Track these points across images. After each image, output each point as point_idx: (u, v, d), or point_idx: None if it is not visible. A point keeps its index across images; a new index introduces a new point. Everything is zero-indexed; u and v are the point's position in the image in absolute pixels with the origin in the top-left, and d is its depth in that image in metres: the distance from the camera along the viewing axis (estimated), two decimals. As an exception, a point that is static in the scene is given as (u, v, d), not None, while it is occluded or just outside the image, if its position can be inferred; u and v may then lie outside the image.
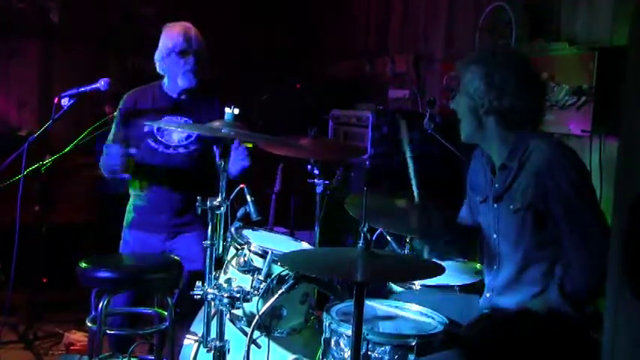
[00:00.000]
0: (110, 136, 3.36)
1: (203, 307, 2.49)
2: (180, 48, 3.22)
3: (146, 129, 3.25)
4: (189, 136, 3.30)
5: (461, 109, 2.32)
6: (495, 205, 2.31)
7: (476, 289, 2.72)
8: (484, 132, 2.29)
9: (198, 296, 2.39)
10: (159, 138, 3.28)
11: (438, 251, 2.59)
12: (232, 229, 2.62)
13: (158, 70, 3.32)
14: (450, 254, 2.84)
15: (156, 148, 3.28)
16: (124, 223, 3.40)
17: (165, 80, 3.35)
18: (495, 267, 2.36)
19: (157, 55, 3.30)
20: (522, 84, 2.21)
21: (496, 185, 2.31)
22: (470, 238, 2.59)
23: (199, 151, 3.30)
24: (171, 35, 3.26)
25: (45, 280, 4.66)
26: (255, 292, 2.41)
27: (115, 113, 3.38)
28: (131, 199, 3.40)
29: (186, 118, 3.29)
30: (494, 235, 2.35)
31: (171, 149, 3.29)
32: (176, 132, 3.30)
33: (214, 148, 3.24)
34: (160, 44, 3.29)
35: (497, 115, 2.24)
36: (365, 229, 1.98)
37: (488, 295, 2.40)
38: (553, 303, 2.15)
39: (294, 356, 2.56)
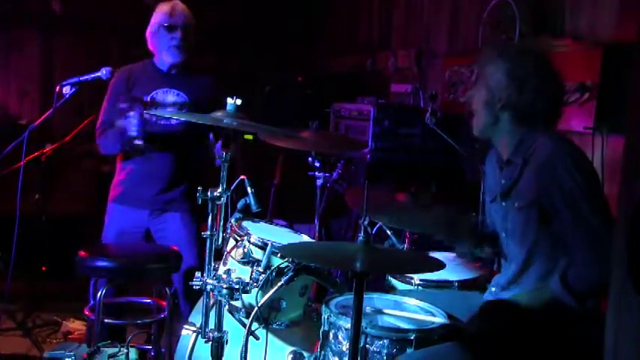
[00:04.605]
0: (104, 113, 3.35)
1: (202, 298, 2.49)
2: (167, 22, 3.28)
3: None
4: (181, 107, 3.32)
5: (476, 103, 2.31)
6: (504, 204, 2.31)
7: (475, 285, 2.71)
8: (497, 127, 2.28)
9: (197, 286, 2.39)
10: (152, 109, 3.29)
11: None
12: (232, 220, 2.61)
13: (149, 47, 3.37)
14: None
15: (149, 118, 3.28)
16: (110, 197, 3.42)
17: (155, 57, 3.38)
18: (506, 265, 2.37)
19: (148, 32, 3.35)
20: (543, 82, 2.21)
21: (502, 181, 2.30)
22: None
23: (191, 122, 3.32)
24: (160, 11, 3.33)
25: (44, 269, 4.67)
26: (255, 283, 2.41)
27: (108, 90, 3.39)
28: (119, 172, 3.41)
29: (178, 91, 3.33)
30: (503, 234, 2.35)
31: (164, 120, 3.31)
32: (169, 102, 3.32)
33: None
34: (151, 21, 3.35)
35: (512, 111, 2.23)
36: (365, 223, 1.97)
37: (493, 289, 2.40)
38: (553, 292, 2.13)
39: (292, 348, 2.56)
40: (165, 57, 3.32)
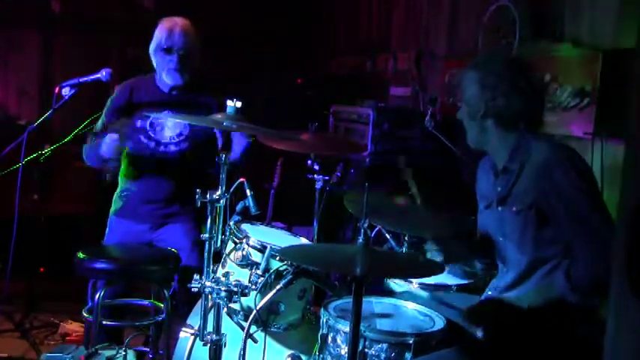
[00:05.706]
0: (99, 125, 3.32)
1: (200, 300, 2.48)
2: (165, 45, 3.21)
3: (139, 124, 3.24)
4: (180, 134, 3.28)
5: (464, 118, 2.36)
6: (500, 209, 2.32)
7: (472, 290, 2.71)
8: (486, 136, 2.32)
9: (196, 289, 2.39)
10: (151, 134, 3.27)
11: (452, 259, 2.60)
12: (231, 223, 2.61)
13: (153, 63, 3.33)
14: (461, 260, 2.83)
15: (147, 144, 3.26)
16: (111, 211, 3.40)
17: (157, 74, 3.33)
18: (504, 269, 2.37)
19: (150, 49, 3.29)
20: (515, 84, 2.24)
21: (499, 189, 2.31)
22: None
23: (190, 148, 3.29)
24: (160, 30, 3.24)
25: (42, 270, 4.66)
26: (253, 286, 2.40)
27: (107, 102, 3.36)
28: (119, 188, 3.40)
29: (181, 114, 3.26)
30: (501, 239, 2.35)
31: (162, 146, 3.27)
32: (168, 128, 3.28)
33: (217, 134, 3.25)
34: (153, 38, 3.28)
35: (493, 118, 2.28)
36: (365, 226, 1.97)
37: (490, 292, 2.40)
38: (558, 289, 2.13)
39: (290, 352, 2.56)
40: (165, 78, 3.26)
